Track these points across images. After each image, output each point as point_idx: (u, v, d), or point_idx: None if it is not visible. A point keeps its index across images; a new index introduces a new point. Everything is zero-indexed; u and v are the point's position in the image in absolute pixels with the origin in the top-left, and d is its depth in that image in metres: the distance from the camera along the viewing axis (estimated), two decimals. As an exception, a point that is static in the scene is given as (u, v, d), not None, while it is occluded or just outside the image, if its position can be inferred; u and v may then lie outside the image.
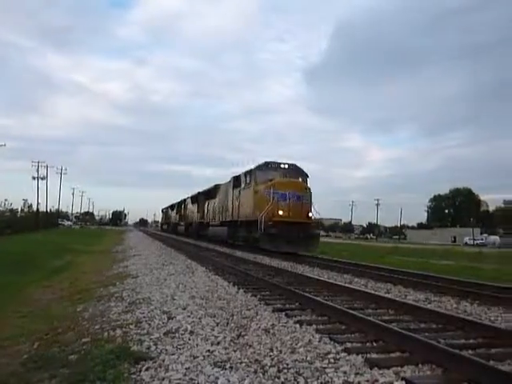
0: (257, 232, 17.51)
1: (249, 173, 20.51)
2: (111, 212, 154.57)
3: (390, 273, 11.61)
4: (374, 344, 4.58)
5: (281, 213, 17.51)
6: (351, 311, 5.74)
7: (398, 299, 7.13)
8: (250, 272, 10.48)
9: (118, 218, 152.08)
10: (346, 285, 8.95)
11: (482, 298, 7.69)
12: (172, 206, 52.96)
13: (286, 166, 19.91)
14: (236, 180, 22.46)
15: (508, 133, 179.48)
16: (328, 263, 14.02)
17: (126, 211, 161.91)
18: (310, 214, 18.42)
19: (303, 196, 18.33)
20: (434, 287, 8.96)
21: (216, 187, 27.71)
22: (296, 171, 19.96)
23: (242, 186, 21.10)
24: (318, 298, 6.84)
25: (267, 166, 19.86)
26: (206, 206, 30.15)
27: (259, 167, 19.94)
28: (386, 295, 7.72)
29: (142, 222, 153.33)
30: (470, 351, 4.27)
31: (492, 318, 6.14)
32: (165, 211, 64.03)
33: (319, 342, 4.58)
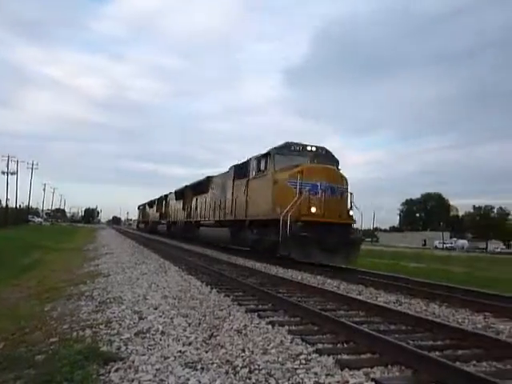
0: (277, 235, 13.29)
1: (264, 157, 15.78)
2: (83, 209, 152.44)
3: (362, 274, 11.76)
4: (345, 345, 4.62)
5: (313, 210, 13.27)
6: (323, 312, 5.79)
7: (369, 301, 7.22)
8: (223, 272, 10.45)
9: (90, 215, 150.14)
10: (319, 286, 9.02)
11: (451, 300, 7.87)
12: (151, 203, 48.49)
13: (314, 149, 15.43)
14: (239, 169, 18.20)
15: (480, 139, 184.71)
16: (301, 265, 14.09)
17: (98, 209, 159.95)
18: (351, 213, 14.31)
19: (340, 188, 14.06)
20: (405, 289, 9.12)
21: (208, 180, 23.63)
22: (326, 156, 15.52)
23: (253, 174, 16.54)
24: (291, 299, 6.87)
25: (289, 149, 15.31)
26: (195, 202, 25.98)
27: (279, 150, 15.34)
28: (358, 297, 7.82)
29: (115, 220, 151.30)
30: (437, 352, 4.36)
31: (459, 320, 6.28)
32: (142, 208, 58.69)
33: (291, 342, 4.60)
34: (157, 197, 44.14)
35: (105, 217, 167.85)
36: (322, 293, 7.97)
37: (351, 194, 14.44)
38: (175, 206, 32.89)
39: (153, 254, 16.55)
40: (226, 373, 3.68)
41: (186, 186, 29.61)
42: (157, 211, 42.90)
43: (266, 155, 15.62)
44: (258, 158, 16.21)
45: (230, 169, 19.42)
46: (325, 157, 15.34)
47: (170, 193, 35.91)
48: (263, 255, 15.27)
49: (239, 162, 18.45)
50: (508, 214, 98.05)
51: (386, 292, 8.86)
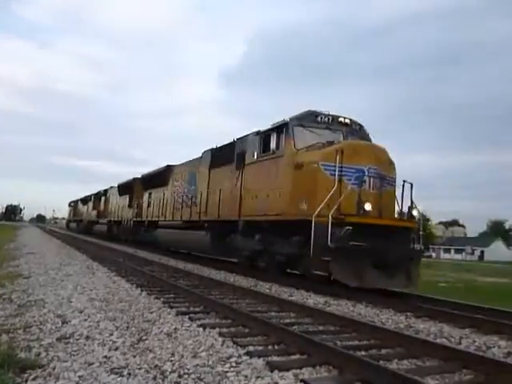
0: (304, 245, 9.17)
1: (275, 131, 10.98)
2: (4, 206, 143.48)
3: (294, 277, 11.95)
4: (276, 347, 4.66)
5: (368, 207, 8.92)
6: (254, 314, 5.82)
7: (299, 302, 7.37)
8: (154, 274, 10.22)
9: (12, 212, 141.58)
10: (251, 288, 9.07)
11: (376, 301, 8.22)
12: (85, 199, 42.93)
13: (348, 121, 11.04)
14: (220, 153, 13.90)
15: (408, 150, 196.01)
16: (234, 267, 14.11)
17: (21, 206, 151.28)
18: (415, 213, 10.00)
19: (391, 177, 9.99)
20: (333, 291, 9.38)
21: (168, 169, 19.35)
22: (361, 133, 11.19)
23: (253, 157, 11.72)
24: (223, 301, 6.85)
25: (314, 120, 10.77)
26: (147, 197, 21.91)
27: (299, 120, 10.72)
28: (289, 298, 7.95)
29: (40, 218, 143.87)
30: (363, 352, 4.52)
31: (383, 320, 6.57)
32: (73, 206, 52.55)
33: (222, 345, 4.57)
34: (94, 192, 38.64)
35: (28, 214, 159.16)
36: (255, 295, 8.02)
37: (411, 184, 10.02)
38: (119, 202, 28.35)
39: (80, 255, 15.82)
40: (154, 378, 3.57)
41: (135, 179, 25.36)
42: (93, 209, 37.34)
43: (280, 128, 10.86)
44: (265, 133, 11.42)
45: (204, 154, 15.02)
46: (359, 134, 11.14)
47: (112, 187, 31.42)
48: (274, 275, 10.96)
49: (219, 145, 14.29)
50: (428, 220, 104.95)
51: (315, 294, 9.08)
